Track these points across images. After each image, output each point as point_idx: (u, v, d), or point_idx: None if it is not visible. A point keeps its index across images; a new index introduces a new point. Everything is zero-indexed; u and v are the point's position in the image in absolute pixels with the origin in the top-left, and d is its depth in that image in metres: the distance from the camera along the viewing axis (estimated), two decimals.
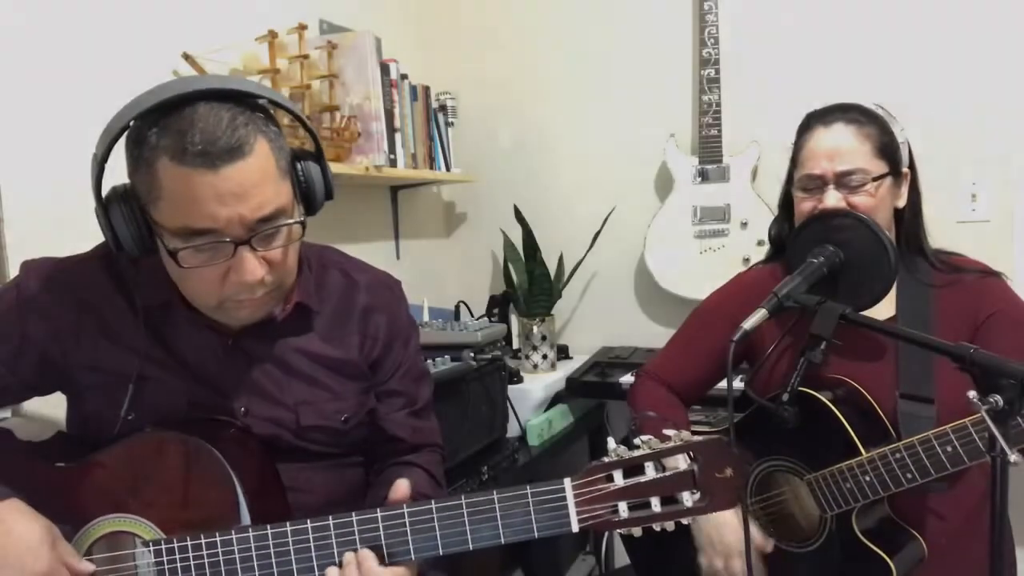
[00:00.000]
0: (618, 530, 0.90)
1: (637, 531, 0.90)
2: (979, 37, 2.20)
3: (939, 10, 2.24)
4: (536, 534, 0.92)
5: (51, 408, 1.21)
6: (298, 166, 1.03)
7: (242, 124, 0.92)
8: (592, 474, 0.91)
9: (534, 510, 0.92)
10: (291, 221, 0.99)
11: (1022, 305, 1.34)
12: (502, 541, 0.93)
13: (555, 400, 2.34)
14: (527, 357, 2.48)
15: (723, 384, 1.51)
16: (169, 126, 0.90)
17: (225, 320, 1.06)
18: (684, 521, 0.90)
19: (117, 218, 0.96)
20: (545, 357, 2.48)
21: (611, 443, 0.93)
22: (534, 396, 2.28)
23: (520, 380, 2.34)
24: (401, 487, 1.01)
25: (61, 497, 1.01)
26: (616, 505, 0.90)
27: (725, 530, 1.29)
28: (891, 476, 1.16)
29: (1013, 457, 0.94)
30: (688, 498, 0.89)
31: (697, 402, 1.59)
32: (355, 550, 0.94)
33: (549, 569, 2.34)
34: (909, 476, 1.15)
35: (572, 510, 0.90)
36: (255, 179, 0.93)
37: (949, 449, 1.12)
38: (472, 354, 1.89)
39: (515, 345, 2.61)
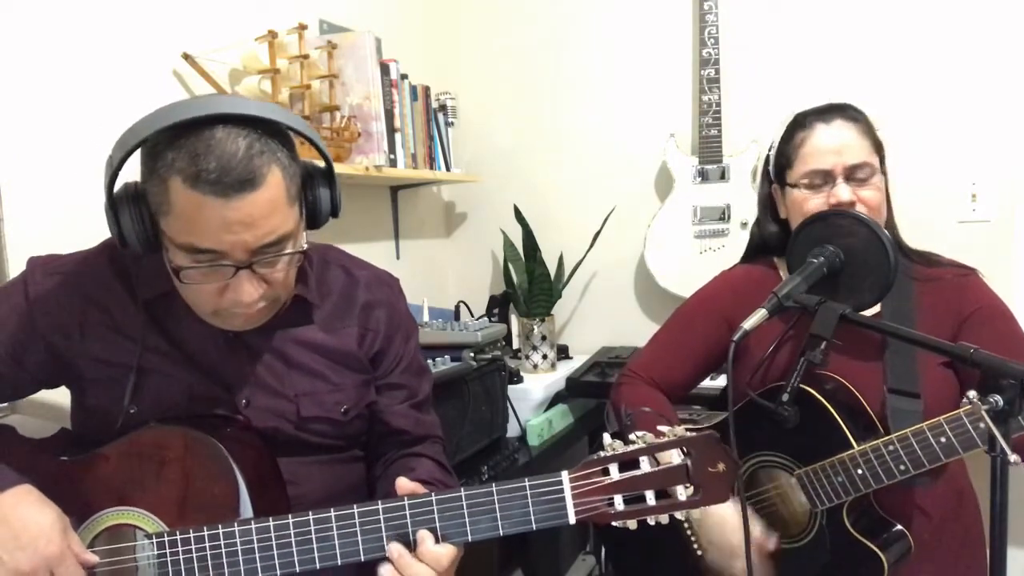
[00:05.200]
0: (614, 522, 0.92)
1: (632, 524, 0.92)
2: (979, 37, 2.20)
3: (939, 10, 2.24)
4: (534, 526, 0.94)
5: (54, 406, 1.21)
6: (307, 190, 1.05)
7: (257, 153, 0.94)
8: (589, 467, 0.93)
9: (532, 502, 0.93)
10: (292, 251, 1.02)
11: (1000, 302, 1.36)
12: (500, 533, 0.94)
13: (555, 400, 2.34)
14: (527, 357, 2.48)
15: (703, 384, 1.53)
16: (185, 147, 0.92)
17: (219, 325, 1.08)
18: (679, 515, 0.92)
19: (125, 219, 0.97)
20: (545, 357, 2.48)
21: (607, 438, 0.95)
22: (534, 396, 2.28)
23: (520, 380, 2.34)
24: (403, 484, 1.01)
25: (65, 490, 1.02)
26: (612, 498, 0.92)
27: (727, 529, 1.29)
28: (884, 468, 1.17)
29: (1013, 457, 0.94)
30: (682, 492, 0.92)
31: (680, 400, 1.59)
32: (405, 534, 0.95)
33: (549, 569, 2.34)
34: (903, 468, 1.15)
35: (569, 502, 0.92)
36: (264, 211, 0.95)
37: (943, 440, 1.12)
38: (472, 354, 1.89)
39: (515, 345, 2.61)
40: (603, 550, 2.52)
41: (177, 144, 0.92)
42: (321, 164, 1.08)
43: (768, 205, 1.47)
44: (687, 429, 0.95)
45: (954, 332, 1.31)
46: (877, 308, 1.34)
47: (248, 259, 0.97)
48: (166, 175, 0.93)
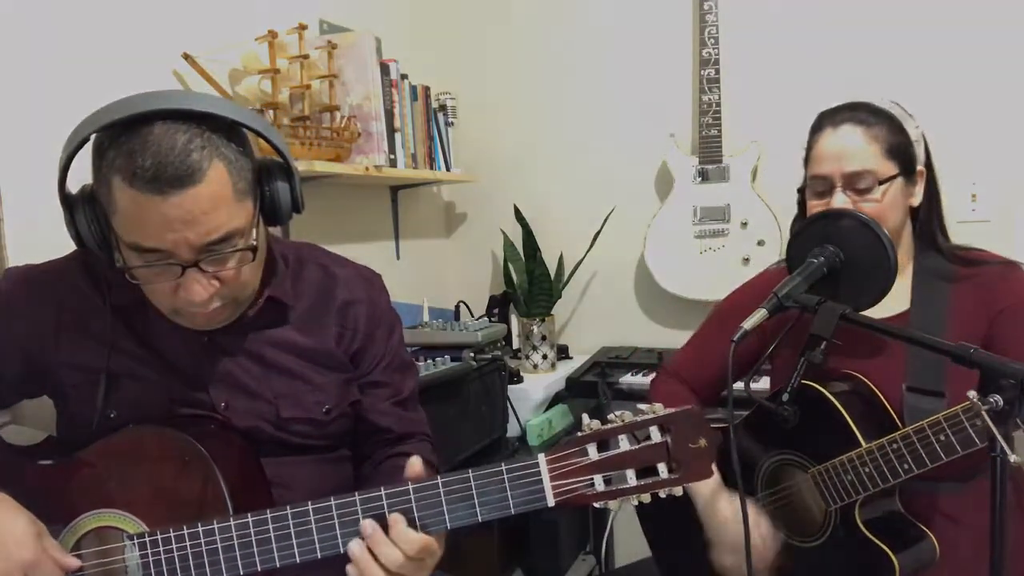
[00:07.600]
0: (595, 503, 0.90)
1: (614, 504, 0.90)
2: (979, 37, 2.20)
3: (939, 10, 2.24)
4: (513, 511, 0.92)
5: (47, 416, 1.21)
6: (263, 185, 1.03)
7: (197, 148, 0.91)
8: (566, 448, 0.91)
9: (510, 487, 0.92)
10: (241, 247, 0.98)
11: None
12: (479, 519, 0.93)
13: (555, 400, 2.34)
14: (527, 357, 2.48)
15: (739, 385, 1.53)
16: (124, 145, 0.91)
17: (183, 324, 1.06)
18: (661, 494, 0.90)
19: (81, 219, 0.97)
20: (545, 357, 2.48)
21: (585, 418, 0.93)
22: (534, 396, 2.28)
23: (520, 380, 2.34)
24: (415, 464, 0.99)
25: (47, 494, 1.02)
26: (591, 479, 0.90)
27: (730, 527, 1.29)
28: (889, 467, 1.16)
29: (1013, 458, 0.94)
30: (663, 470, 0.90)
31: (716, 401, 1.59)
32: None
33: (549, 569, 2.34)
34: (906, 467, 1.14)
35: (547, 485, 0.91)
36: (205, 206, 0.92)
37: (943, 438, 1.11)
38: (472, 354, 1.89)
39: (515, 345, 2.61)
40: (603, 550, 2.52)
41: (118, 142, 0.91)
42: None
43: (803, 204, 1.44)
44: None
45: (988, 328, 1.28)
46: (906, 306, 1.33)
47: (194, 257, 0.95)
48: (108, 174, 0.92)
